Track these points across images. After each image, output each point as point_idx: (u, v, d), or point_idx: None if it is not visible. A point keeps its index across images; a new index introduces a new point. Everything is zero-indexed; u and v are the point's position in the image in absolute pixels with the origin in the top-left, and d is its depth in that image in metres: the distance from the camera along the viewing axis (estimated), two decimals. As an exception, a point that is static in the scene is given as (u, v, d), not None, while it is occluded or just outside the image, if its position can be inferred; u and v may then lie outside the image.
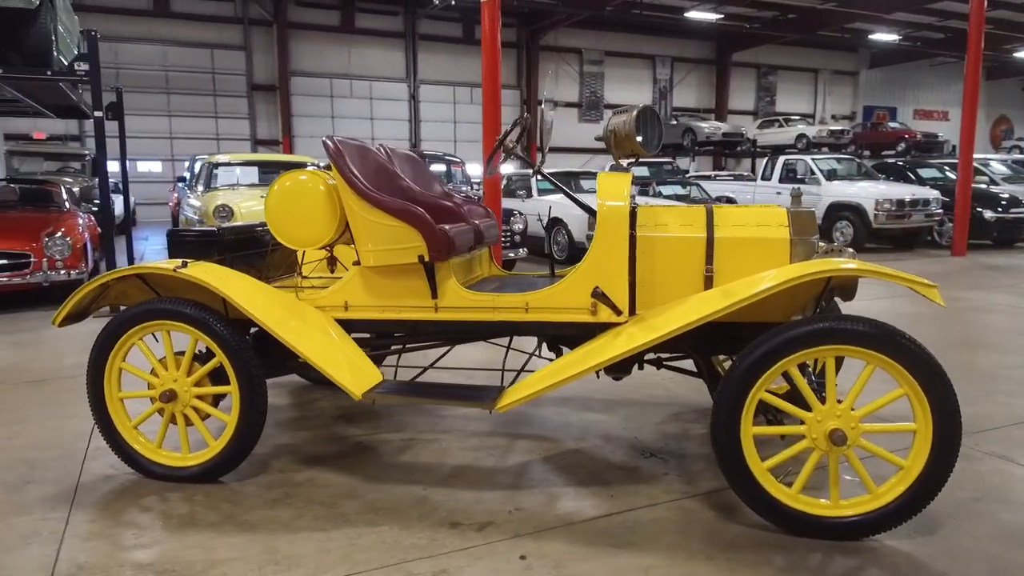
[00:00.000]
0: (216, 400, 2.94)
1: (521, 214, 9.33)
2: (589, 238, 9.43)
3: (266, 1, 22.43)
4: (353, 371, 2.78)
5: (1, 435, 3.45)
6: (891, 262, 10.66)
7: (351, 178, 2.86)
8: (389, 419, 3.68)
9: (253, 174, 8.89)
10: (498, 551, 2.37)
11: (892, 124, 23.80)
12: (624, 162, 3.18)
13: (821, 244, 2.83)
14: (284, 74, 22.84)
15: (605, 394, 4.06)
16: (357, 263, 3.01)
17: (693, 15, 23.91)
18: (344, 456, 3.20)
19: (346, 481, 2.93)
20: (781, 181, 13.76)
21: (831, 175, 12.95)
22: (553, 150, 28.27)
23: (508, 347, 3.27)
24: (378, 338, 3.22)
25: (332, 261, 3.27)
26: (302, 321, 2.85)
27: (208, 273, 2.80)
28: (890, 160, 16.96)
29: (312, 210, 3.02)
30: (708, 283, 2.81)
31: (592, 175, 12.52)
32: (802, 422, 2.43)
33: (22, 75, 6.13)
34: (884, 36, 26.68)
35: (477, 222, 3.43)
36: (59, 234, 6.74)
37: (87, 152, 14.10)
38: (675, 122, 23.25)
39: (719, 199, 14.31)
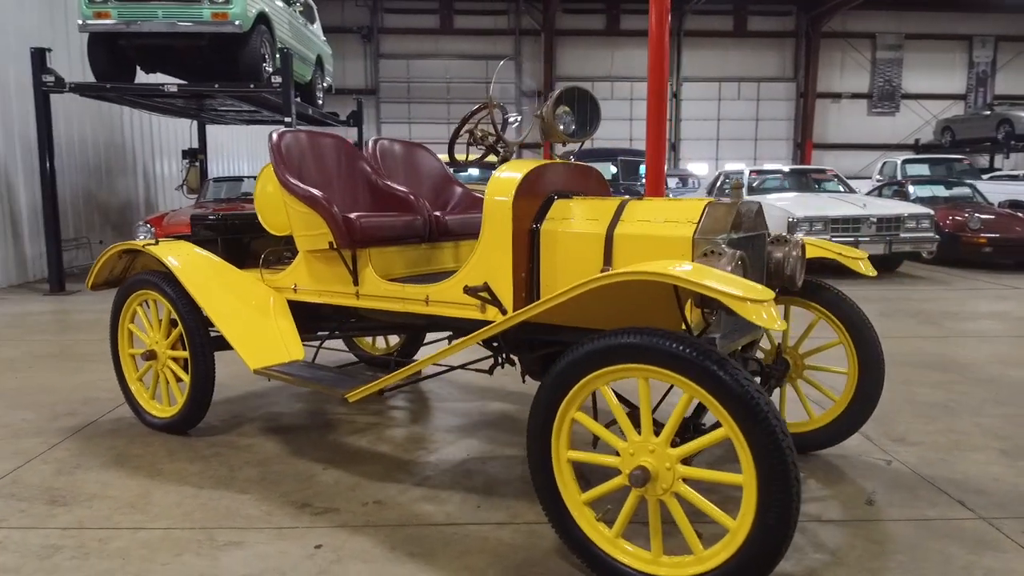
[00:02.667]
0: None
1: (704, 215, 8.70)
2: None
3: (536, 12, 23.68)
4: (263, 346, 2.97)
5: (91, 378, 4.29)
6: None
7: (276, 168, 3.05)
8: (380, 402, 3.80)
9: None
10: (308, 536, 2.37)
11: None
12: (561, 150, 2.93)
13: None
14: (549, 80, 23.91)
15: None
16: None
17: (1020, -17, 19.82)
18: (303, 429, 3.41)
19: (275, 451, 3.13)
20: (1091, 181, 10.88)
21: None
22: (835, 147, 25.52)
23: (408, 339, 3.20)
24: (321, 321, 3.36)
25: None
26: (236, 296, 3.11)
27: (168, 249, 3.20)
28: None
29: (280, 199, 3.27)
30: (605, 284, 2.46)
31: (821, 171, 11.15)
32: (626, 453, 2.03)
33: (228, 88, 7.40)
34: None
35: (448, 217, 3.38)
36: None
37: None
38: (988, 112, 19.59)
39: (1003, 204, 11.75)
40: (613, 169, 10.24)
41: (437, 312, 2.81)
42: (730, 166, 22.70)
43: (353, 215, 2.90)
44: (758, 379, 2.92)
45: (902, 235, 8.66)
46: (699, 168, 22.82)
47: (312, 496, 2.68)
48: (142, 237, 7.93)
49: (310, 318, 3.36)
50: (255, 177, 10.51)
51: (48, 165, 7.49)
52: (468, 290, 2.61)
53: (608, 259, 2.49)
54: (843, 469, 2.95)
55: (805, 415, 3.06)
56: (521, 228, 2.61)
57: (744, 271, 2.16)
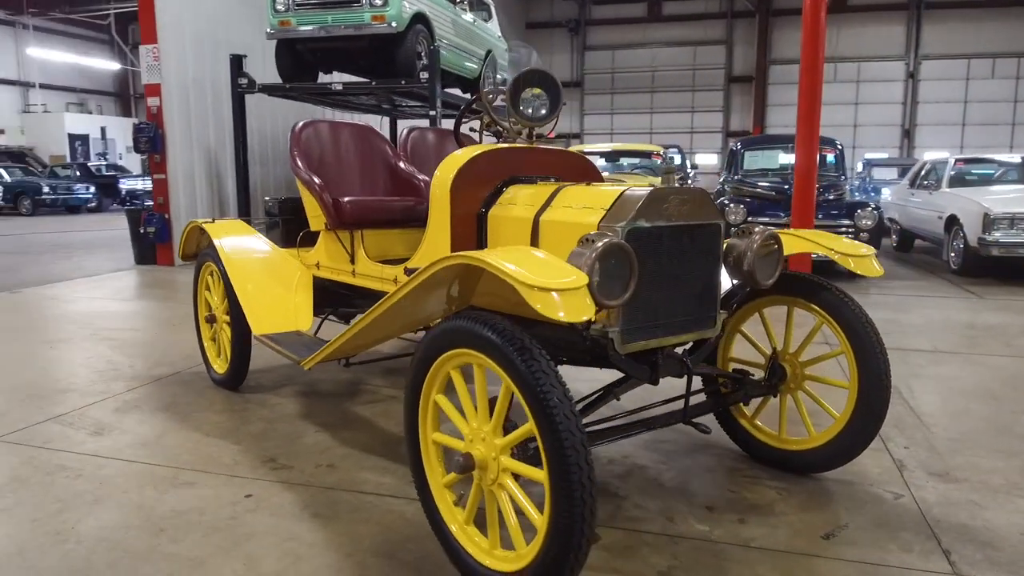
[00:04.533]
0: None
1: (876, 208, 7.74)
2: (981, 241, 7.37)
3: (750, -8, 22.37)
4: (272, 315, 3.28)
5: (207, 336, 4.96)
6: None
7: (290, 156, 3.33)
8: (415, 379, 3.99)
9: (598, 163, 9.51)
10: (248, 486, 2.62)
11: None
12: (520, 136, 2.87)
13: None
14: (762, 64, 22.49)
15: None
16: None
17: None
18: (329, 396, 3.70)
19: (290, 411, 3.45)
20: None
21: None
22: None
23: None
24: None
25: None
26: (265, 270, 3.46)
27: (220, 227, 3.63)
28: None
29: (315, 184, 3.57)
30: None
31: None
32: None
33: (383, 84, 8.04)
34: None
35: None
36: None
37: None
38: None
39: None
40: (785, 158, 9.39)
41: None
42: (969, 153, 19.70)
43: (345, 198, 3.10)
44: (723, 386, 2.66)
45: None
46: (938, 157, 20.08)
47: (283, 453, 2.94)
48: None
49: (343, 295, 3.63)
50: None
51: (242, 156, 8.70)
52: (408, 272, 2.69)
53: (535, 245, 2.43)
54: (834, 495, 2.57)
55: (818, 428, 2.72)
56: (465, 212, 2.63)
57: (628, 260, 2.01)
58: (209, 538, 2.26)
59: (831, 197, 8.16)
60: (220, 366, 3.85)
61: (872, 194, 13.98)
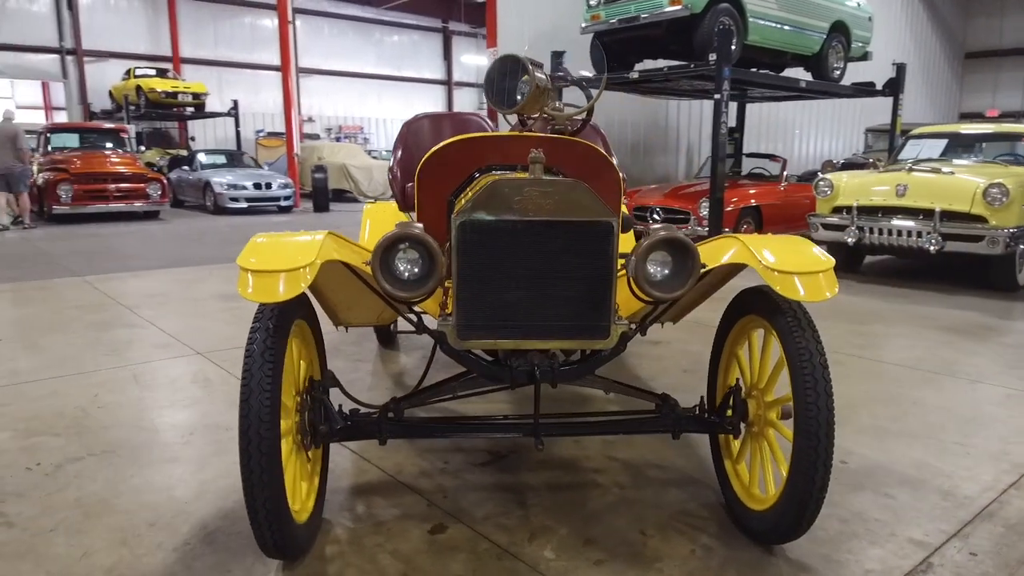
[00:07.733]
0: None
1: None
2: None
3: None
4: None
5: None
6: None
7: (394, 146, 3.71)
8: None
9: (939, 147, 7.70)
10: (279, 418, 3.20)
11: None
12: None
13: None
14: None
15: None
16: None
17: None
18: (382, 354, 4.11)
19: (392, 370, 3.94)
20: None
21: None
22: None
23: None
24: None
25: None
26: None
27: (372, 207, 4.24)
28: None
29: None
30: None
31: None
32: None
33: (676, 70, 7.85)
34: None
35: None
36: (704, 199, 8.15)
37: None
38: None
39: None
40: None
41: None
42: None
43: (408, 184, 3.41)
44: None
45: None
46: None
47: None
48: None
49: None
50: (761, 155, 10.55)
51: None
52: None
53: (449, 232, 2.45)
54: (763, 573, 2.04)
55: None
56: (437, 199, 2.73)
57: (427, 252, 1.98)
58: (180, 446, 2.87)
59: None
60: (381, 325, 4.53)
61: None
